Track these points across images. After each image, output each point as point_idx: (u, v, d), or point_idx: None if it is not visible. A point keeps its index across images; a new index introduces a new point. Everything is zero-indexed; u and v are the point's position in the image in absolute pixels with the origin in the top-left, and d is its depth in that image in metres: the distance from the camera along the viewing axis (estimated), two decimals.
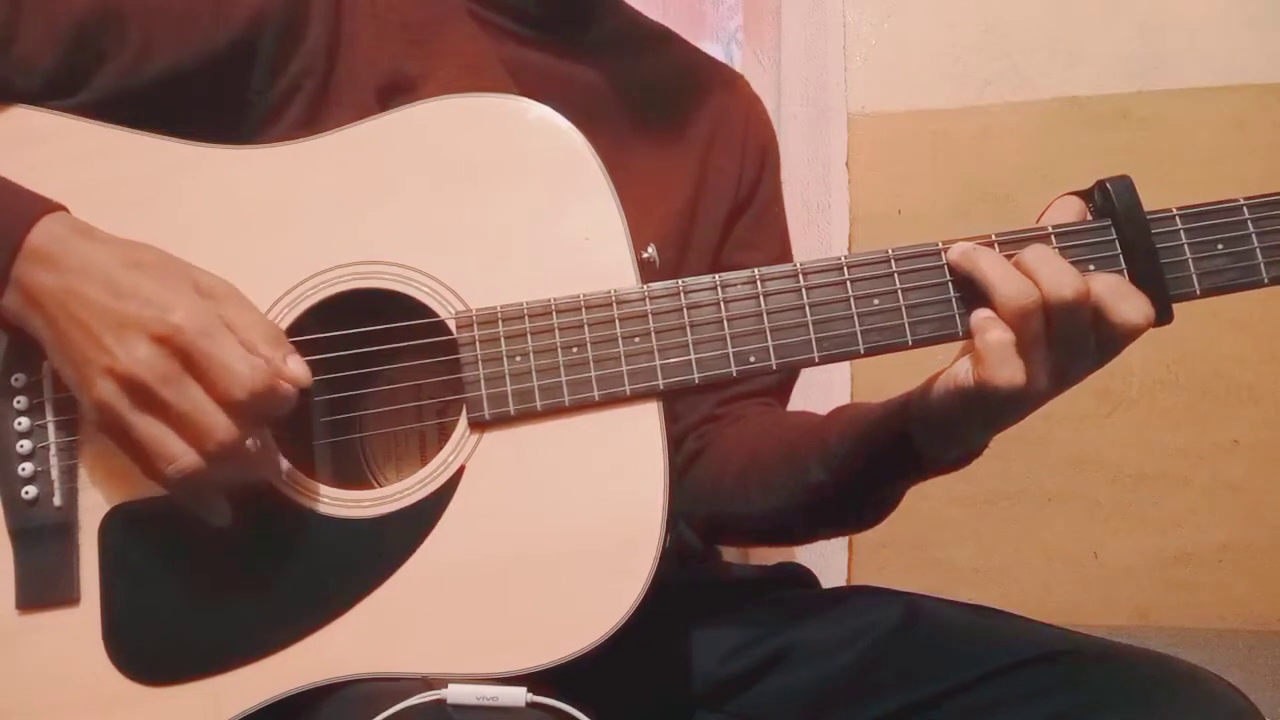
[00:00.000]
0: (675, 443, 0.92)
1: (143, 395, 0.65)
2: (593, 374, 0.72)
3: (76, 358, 0.67)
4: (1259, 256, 0.72)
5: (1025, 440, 1.64)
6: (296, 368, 0.68)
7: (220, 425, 0.65)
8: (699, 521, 0.98)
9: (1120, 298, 0.69)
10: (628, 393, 0.72)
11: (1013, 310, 0.69)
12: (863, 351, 0.72)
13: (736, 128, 1.03)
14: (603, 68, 0.95)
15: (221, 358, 0.66)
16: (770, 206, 1.06)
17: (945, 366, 0.75)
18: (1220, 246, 0.72)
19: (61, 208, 0.70)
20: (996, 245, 0.72)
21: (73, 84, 0.78)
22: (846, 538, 1.75)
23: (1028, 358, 0.69)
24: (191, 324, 0.65)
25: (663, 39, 1.06)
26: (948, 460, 0.80)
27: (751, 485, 0.92)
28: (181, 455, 0.65)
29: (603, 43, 0.97)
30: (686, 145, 0.99)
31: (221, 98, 0.82)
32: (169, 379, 0.65)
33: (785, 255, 1.07)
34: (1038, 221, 0.74)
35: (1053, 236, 0.72)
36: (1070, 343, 0.70)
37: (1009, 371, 0.69)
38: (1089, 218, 0.74)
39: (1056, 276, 0.68)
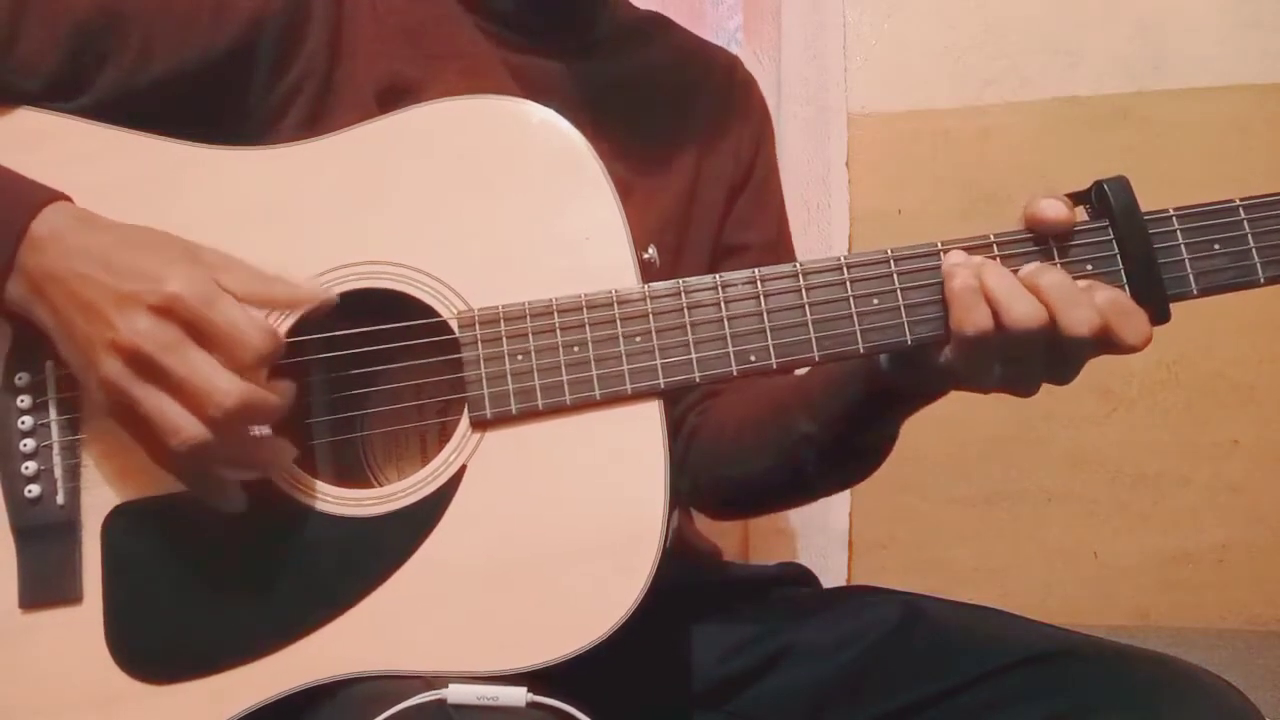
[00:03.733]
0: (676, 422, 0.93)
1: (146, 366, 0.65)
2: (594, 373, 0.72)
3: (80, 338, 0.67)
4: (1255, 257, 0.72)
5: (1025, 440, 1.64)
6: (314, 289, 0.72)
7: (220, 389, 0.64)
8: (704, 494, 0.99)
9: (1122, 315, 0.69)
10: (629, 391, 0.72)
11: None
12: (862, 350, 0.73)
13: (733, 110, 1.05)
14: (601, 69, 0.95)
15: (224, 324, 0.65)
16: (767, 183, 1.07)
17: None
18: (1217, 247, 0.72)
19: (65, 197, 0.71)
20: (995, 246, 0.72)
21: (75, 86, 0.78)
22: (846, 538, 1.74)
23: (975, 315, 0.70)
24: (190, 292, 0.65)
25: (657, 26, 1.06)
26: (925, 393, 0.80)
27: (747, 446, 0.93)
28: (186, 426, 0.65)
29: (601, 44, 0.98)
30: (685, 136, 1.00)
31: (223, 100, 0.82)
32: (170, 347, 0.65)
33: (783, 231, 1.08)
34: (1026, 209, 0.73)
35: (1051, 237, 0.72)
36: (1064, 360, 0.71)
37: (977, 316, 0.69)
38: (1085, 218, 0.74)
39: (1073, 313, 0.68)
